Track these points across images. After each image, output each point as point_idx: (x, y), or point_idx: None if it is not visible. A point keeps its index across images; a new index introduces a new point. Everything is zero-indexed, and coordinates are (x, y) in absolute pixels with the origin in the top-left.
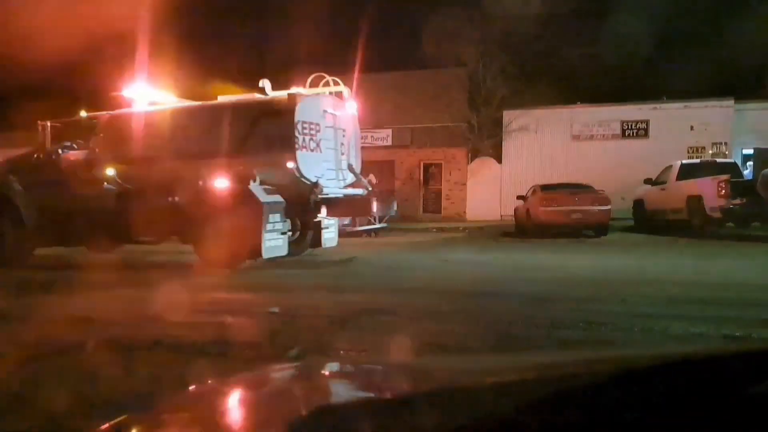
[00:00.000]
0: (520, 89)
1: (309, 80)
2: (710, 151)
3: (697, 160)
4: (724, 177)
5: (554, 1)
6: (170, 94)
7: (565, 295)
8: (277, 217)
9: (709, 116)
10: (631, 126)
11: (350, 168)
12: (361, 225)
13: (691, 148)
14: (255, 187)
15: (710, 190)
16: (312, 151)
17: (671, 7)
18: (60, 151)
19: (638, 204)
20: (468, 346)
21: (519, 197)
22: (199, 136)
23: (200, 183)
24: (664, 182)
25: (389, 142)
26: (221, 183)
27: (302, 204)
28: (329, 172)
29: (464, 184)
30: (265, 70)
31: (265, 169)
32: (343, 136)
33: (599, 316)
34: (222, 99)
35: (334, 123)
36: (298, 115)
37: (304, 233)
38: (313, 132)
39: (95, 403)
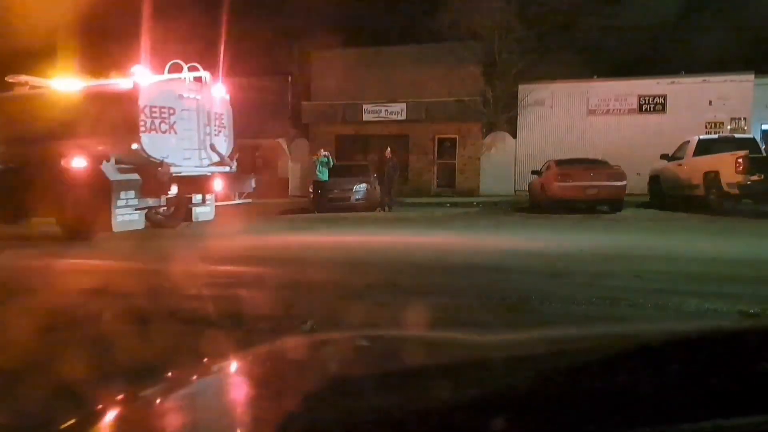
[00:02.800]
0: (535, 63)
1: (167, 67)
2: (729, 127)
3: (715, 136)
4: (742, 153)
5: None
6: (52, 78)
7: (578, 270)
8: (130, 194)
9: (729, 91)
10: (649, 100)
11: (212, 147)
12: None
13: (709, 123)
14: (106, 166)
15: (728, 166)
16: (164, 133)
17: None
18: None
19: (654, 180)
20: (481, 321)
21: (534, 172)
22: (66, 118)
23: (61, 162)
24: (680, 158)
25: (403, 117)
26: (77, 162)
27: (154, 182)
28: (186, 152)
29: (478, 159)
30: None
31: (119, 150)
32: (207, 118)
33: (613, 292)
34: (91, 84)
35: (194, 106)
36: (145, 100)
37: (179, 208)
38: (164, 115)
39: None
